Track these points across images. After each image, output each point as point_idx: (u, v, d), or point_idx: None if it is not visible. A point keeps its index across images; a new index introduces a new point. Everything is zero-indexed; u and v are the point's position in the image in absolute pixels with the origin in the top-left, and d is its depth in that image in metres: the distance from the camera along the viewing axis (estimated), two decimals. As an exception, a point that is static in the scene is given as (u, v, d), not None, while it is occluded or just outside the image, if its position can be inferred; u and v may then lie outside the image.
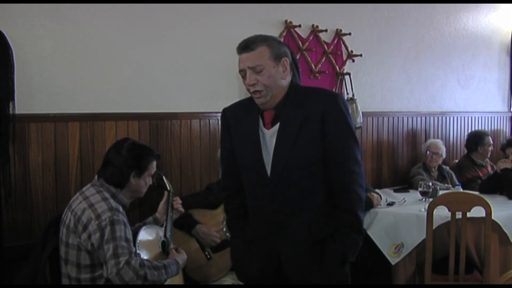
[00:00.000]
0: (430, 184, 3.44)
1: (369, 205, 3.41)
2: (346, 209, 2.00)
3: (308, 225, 2.03)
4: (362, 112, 4.21)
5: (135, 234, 2.41)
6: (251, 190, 2.13)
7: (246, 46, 2.00)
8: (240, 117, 2.14)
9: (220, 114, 3.45)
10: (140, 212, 3.09)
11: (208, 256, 2.90)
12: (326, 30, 4.07)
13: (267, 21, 3.67)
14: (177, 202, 2.74)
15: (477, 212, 3.05)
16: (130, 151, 2.42)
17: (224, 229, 2.92)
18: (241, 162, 2.14)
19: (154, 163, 2.53)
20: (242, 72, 2.02)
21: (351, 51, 4.27)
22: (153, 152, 2.52)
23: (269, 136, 2.05)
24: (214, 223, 2.97)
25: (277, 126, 2.03)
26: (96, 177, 2.43)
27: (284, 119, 2.02)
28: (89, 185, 2.42)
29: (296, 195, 2.03)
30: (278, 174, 2.01)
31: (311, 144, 1.99)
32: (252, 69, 1.98)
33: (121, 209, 2.33)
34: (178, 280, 2.58)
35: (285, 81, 2.04)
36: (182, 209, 2.75)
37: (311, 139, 1.99)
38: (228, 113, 2.20)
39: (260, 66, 1.97)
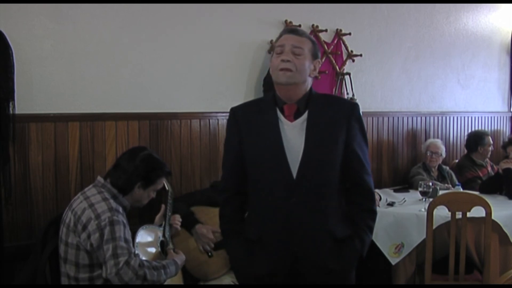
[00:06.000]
0: (430, 184, 3.44)
1: None
2: (368, 209, 2.12)
3: (327, 226, 2.03)
4: (362, 112, 4.18)
5: (133, 234, 2.41)
6: (266, 188, 2.05)
7: (296, 30, 2.10)
8: (253, 113, 2.10)
9: (220, 114, 3.52)
10: (140, 211, 3.08)
11: (209, 254, 2.90)
12: (326, 30, 4.07)
13: (267, 21, 3.67)
14: (175, 219, 2.74)
15: (477, 212, 3.06)
16: (143, 161, 2.43)
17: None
18: (255, 158, 2.06)
19: (163, 179, 2.53)
20: (280, 48, 2.02)
21: (351, 51, 4.27)
22: (165, 169, 2.52)
23: (291, 129, 2.03)
24: (216, 221, 2.95)
25: (300, 119, 2.03)
26: (98, 177, 2.44)
27: (312, 118, 2.02)
28: (91, 185, 2.43)
29: (317, 195, 2.02)
30: (304, 174, 1.99)
31: (336, 146, 2.03)
32: (294, 48, 2.01)
33: (121, 210, 2.33)
34: (177, 279, 2.59)
35: (310, 79, 2.09)
36: (179, 228, 2.76)
37: (336, 142, 2.03)
38: (239, 111, 2.14)
39: (301, 50, 2.02)
